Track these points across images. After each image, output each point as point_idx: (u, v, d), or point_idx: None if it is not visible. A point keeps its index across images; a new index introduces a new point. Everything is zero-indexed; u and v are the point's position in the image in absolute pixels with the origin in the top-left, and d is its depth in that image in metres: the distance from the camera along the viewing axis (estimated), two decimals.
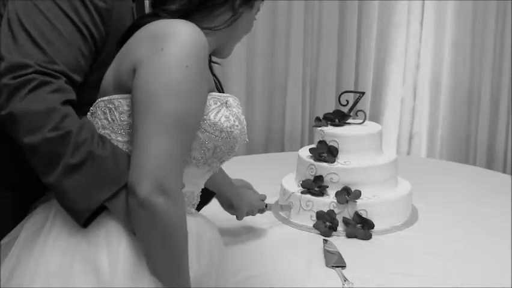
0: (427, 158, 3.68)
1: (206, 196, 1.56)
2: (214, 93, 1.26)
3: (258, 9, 1.39)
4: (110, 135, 1.23)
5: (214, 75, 1.39)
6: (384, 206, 2.08)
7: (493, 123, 3.61)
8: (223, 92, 1.33)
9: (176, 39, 1.16)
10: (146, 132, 1.13)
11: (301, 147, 2.70)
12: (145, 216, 1.12)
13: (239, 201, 1.87)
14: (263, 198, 1.99)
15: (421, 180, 2.52)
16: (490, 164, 3.60)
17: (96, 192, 1.16)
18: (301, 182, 2.16)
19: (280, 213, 2.15)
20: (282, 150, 3.59)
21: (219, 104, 1.25)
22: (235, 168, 2.78)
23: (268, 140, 3.64)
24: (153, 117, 1.13)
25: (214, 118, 1.23)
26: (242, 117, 1.29)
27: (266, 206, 1.99)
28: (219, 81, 1.40)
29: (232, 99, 1.28)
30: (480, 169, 3.05)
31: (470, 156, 3.70)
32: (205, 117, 1.22)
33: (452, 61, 3.68)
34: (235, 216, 1.91)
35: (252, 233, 1.99)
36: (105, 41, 1.31)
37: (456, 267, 1.80)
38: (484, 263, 1.83)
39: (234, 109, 1.27)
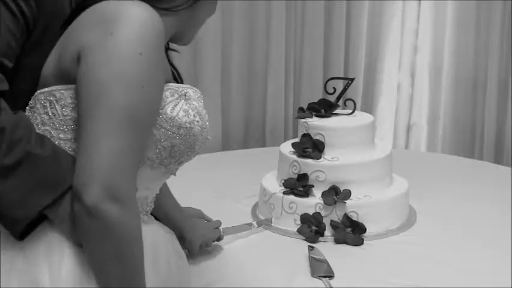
0: (427, 152, 3.71)
1: None
2: (171, 84, 1.26)
3: None
4: (51, 132, 1.22)
5: (171, 64, 1.39)
6: (378, 208, 2.08)
7: (501, 111, 3.63)
8: (181, 83, 1.32)
9: (127, 23, 1.14)
10: (94, 128, 1.11)
11: (284, 141, 2.70)
12: (94, 227, 1.10)
13: (192, 233, 1.84)
14: (217, 225, 1.95)
15: (420, 178, 2.53)
16: (498, 158, 3.63)
17: (35, 197, 1.14)
18: (283, 181, 2.17)
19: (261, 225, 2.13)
20: (263, 145, 3.60)
21: (176, 96, 1.24)
22: (209, 167, 2.78)
23: (247, 134, 3.65)
24: (102, 111, 1.11)
25: (171, 112, 1.22)
26: (203, 112, 1.28)
27: (223, 233, 1.96)
28: (177, 71, 1.40)
29: (192, 91, 1.27)
30: (487, 164, 3.08)
31: (476, 149, 3.72)
32: (160, 111, 1.21)
33: (454, 42, 3.70)
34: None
35: (228, 238, 1.99)
36: (37, 19, 1.27)
37: (458, 276, 1.80)
38: (490, 272, 1.83)
39: (194, 102, 1.26)
